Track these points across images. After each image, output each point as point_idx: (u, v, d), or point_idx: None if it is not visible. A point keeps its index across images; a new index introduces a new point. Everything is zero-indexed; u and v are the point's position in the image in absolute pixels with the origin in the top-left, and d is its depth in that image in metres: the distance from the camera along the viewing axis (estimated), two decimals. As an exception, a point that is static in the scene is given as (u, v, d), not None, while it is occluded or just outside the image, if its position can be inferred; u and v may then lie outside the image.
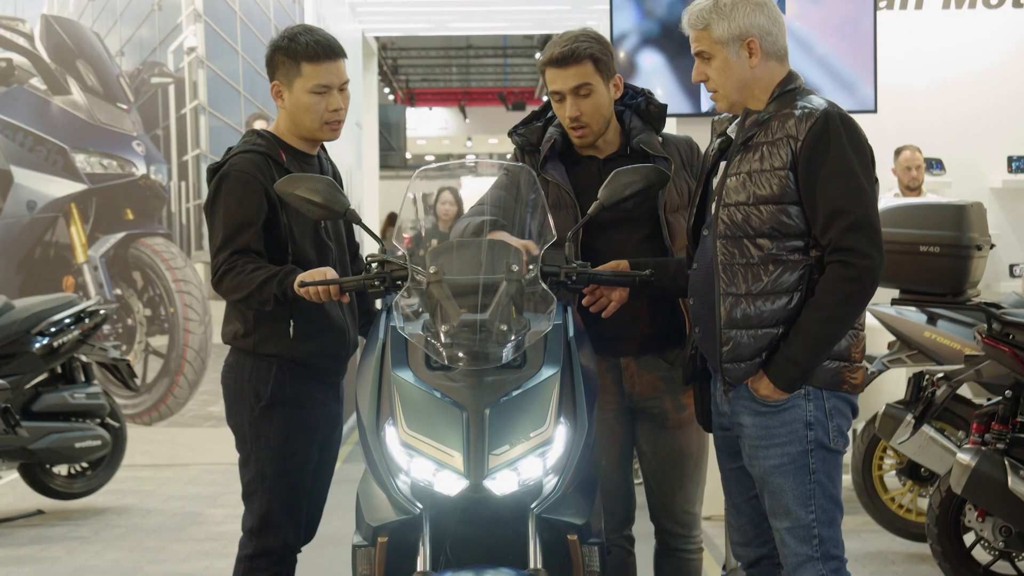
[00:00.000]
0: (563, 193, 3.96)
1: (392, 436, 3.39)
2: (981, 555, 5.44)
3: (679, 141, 4.09)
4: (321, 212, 3.68)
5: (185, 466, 9.23)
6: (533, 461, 3.33)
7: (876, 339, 6.55)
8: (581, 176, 4.00)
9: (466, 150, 36.49)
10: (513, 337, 3.36)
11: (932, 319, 6.18)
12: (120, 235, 9.39)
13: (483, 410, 3.30)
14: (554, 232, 3.54)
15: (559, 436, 3.38)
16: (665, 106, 4.06)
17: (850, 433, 6.87)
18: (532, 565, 3.31)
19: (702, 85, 3.68)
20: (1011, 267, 8.85)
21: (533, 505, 3.34)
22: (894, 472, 6.43)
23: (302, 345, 3.98)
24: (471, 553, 3.40)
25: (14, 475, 8.02)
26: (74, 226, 9.35)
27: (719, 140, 3.69)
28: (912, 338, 6.19)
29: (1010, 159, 9.67)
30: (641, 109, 4.05)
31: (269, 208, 3.93)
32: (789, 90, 3.55)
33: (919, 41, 9.61)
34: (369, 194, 13.19)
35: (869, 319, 5.95)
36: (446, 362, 3.35)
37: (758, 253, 3.46)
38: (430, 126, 36.29)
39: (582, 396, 3.45)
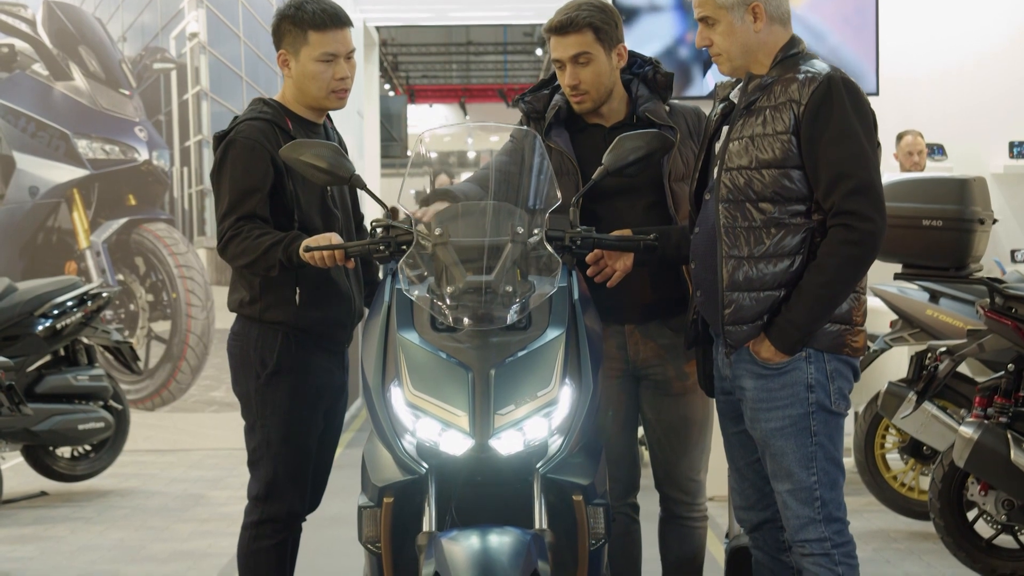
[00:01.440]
0: (566, 160, 3.98)
1: (398, 397, 3.40)
2: (984, 529, 5.45)
3: (687, 110, 4.10)
4: (326, 178, 3.69)
5: (187, 451, 9.24)
6: (538, 421, 3.34)
7: (878, 318, 6.56)
8: (585, 144, 4.02)
9: (466, 147, 36.51)
10: (518, 299, 3.37)
11: (934, 297, 6.19)
12: (122, 221, 9.40)
13: (488, 371, 3.31)
14: (559, 196, 3.55)
15: (564, 397, 3.39)
16: (672, 75, 4.07)
17: (851, 414, 6.91)
18: (537, 526, 3.32)
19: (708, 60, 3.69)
20: (1012, 252, 8.85)
21: (539, 465, 3.35)
22: (896, 451, 6.45)
23: (308, 313, 3.99)
24: (477, 514, 3.40)
25: (18, 459, 8.03)
26: (76, 212, 9.37)
27: (722, 105, 3.70)
28: (914, 316, 6.20)
29: (1011, 144, 9.68)
30: (648, 78, 4.07)
31: (275, 175, 3.94)
32: (792, 55, 3.56)
33: (921, 26, 9.61)
34: (371, 182, 13.19)
35: (871, 299, 5.96)
36: (451, 323, 3.36)
37: (760, 216, 3.47)
38: (430, 123, 36.30)
39: (587, 357, 3.47)
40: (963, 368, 6.02)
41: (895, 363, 6.85)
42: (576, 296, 3.55)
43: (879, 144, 3.52)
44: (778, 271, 3.47)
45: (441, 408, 3.32)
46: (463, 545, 3.19)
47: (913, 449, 6.27)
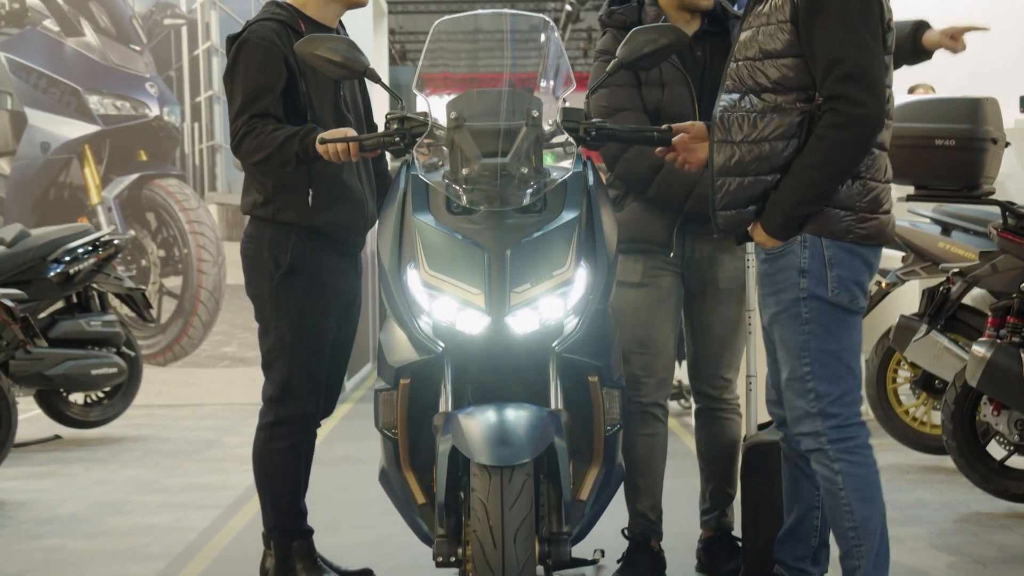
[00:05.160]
0: (677, 71, 4.07)
1: (414, 278, 3.41)
2: (997, 451, 5.45)
3: None
4: (341, 71, 3.69)
5: (200, 406, 9.26)
6: (554, 301, 3.36)
7: (891, 258, 6.56)
8: (683, 54, 4.09)
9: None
10: (533, 182, 3.38)
11: (946, 230, 6.19)
12: (133, 176, 9.43)
13: (504, 250, 3.33)
14: (574, 82, 3.56)
15: (579, 277, 3.41)
16: None
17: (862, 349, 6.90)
18: (553, 406, 3.34)
19: None
20: (1024, 207, 8.84)
21: (554, 344, 3.37)
22: (908, 386, 6.44)
23: (320, 214, 4.00)
24: (493, 398, 3.42)
25: (34, 411, 8.06)
26: (88, 167, 9.39)
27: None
28: (926, 250, 6.20)
29: (1022, 99, 9.64)
30: None
31: (289, 76, 3.95)
32: None
33: (931, -21, 9.59)
34: (380, 150, 13.17)
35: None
36: (466, 204, 3.37)
37: (761, 104, 3.43)
38: (438, 112, 36.23)
39: (602, 241, 3.48)
40: (976, 306, 6.02)
41: (907, 300, 6.85)
42: (591, 182, 3.56)
43: (890, 29, 3.48)
44: (768, 154, 3.41)
45: (457, 287, 3.34)
46: (479, 420, 3.20)
47: (925, 383, 6.26)
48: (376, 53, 13.19)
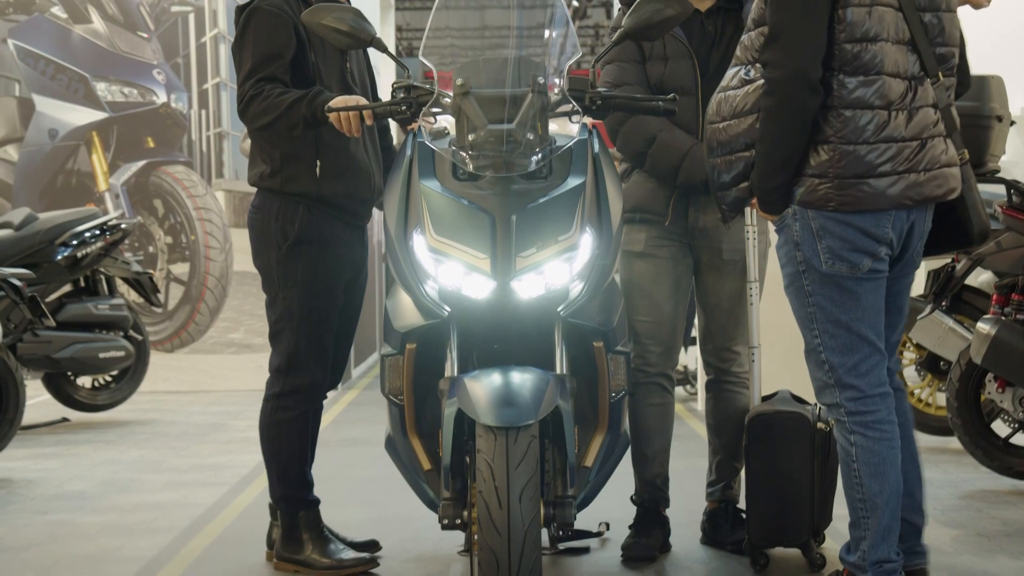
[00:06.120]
0: (681, 45, 4.08)
1: (420, 243, 3.43)
2: (1001, 429, 5.46)
3: None
4: (348, 41, 3.70)
5: (207, 392, 9.29)
6: (559, 266, 3.38)
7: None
8: (692, 28, 4.11)
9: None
10: (539, 148, 3.40)
11: (950, 212, 6.18)
12: (141, 163, 9.46)
13: (510, 215, 3.35)
14: (579, 50, 3.58)
15: (584, 243, 3.42)
16: None
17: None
18: (559, 371, 3.36)
19: None
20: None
21: (560, 308, 3.39)
22: (913, 367, 6.45)
23: (328, 184, 4.02)
24: (498, 363, 3.43)
25: (43, 396, 8.09)
26: (95, 154, 9.42)
27: None
28: (931, 231, 6.19)
29: (1028, 86, 9.64)
30: None
31: (298, 46, 3.96)
32: None
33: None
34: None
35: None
36: (473, 170, 3.39)
37: (746, 78, 3.42)
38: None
39: (607, 207, 3.50)
40: (981, 285, 6.03)
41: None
42: (596, 149, 3.58)
43: None
44: (746, 129, 3.39)
45: (463, 251, 3.36)
46: (484, 382, 3.22)
47: (930, 364, 6.27)
48: (383, 44, 13.22)
